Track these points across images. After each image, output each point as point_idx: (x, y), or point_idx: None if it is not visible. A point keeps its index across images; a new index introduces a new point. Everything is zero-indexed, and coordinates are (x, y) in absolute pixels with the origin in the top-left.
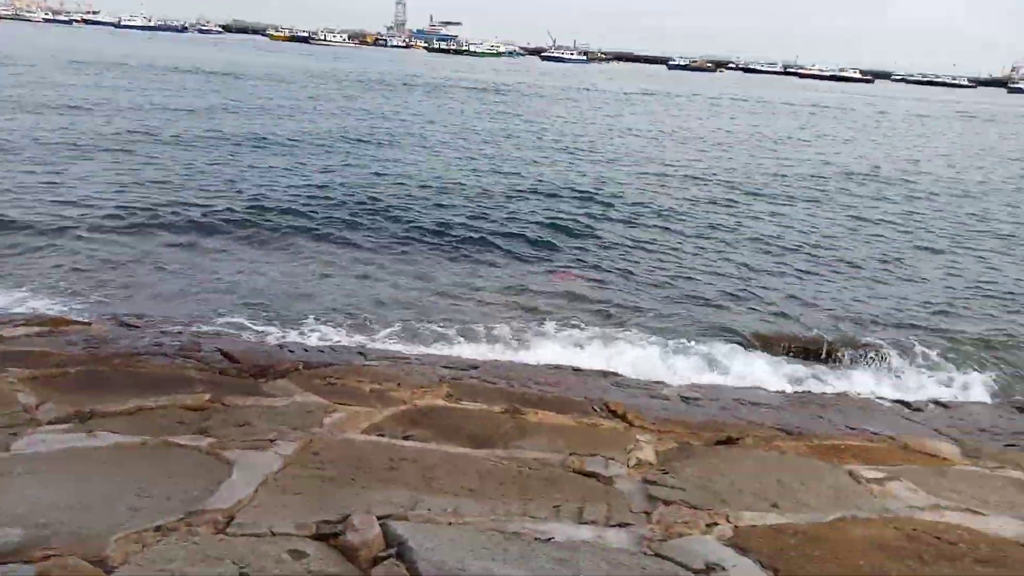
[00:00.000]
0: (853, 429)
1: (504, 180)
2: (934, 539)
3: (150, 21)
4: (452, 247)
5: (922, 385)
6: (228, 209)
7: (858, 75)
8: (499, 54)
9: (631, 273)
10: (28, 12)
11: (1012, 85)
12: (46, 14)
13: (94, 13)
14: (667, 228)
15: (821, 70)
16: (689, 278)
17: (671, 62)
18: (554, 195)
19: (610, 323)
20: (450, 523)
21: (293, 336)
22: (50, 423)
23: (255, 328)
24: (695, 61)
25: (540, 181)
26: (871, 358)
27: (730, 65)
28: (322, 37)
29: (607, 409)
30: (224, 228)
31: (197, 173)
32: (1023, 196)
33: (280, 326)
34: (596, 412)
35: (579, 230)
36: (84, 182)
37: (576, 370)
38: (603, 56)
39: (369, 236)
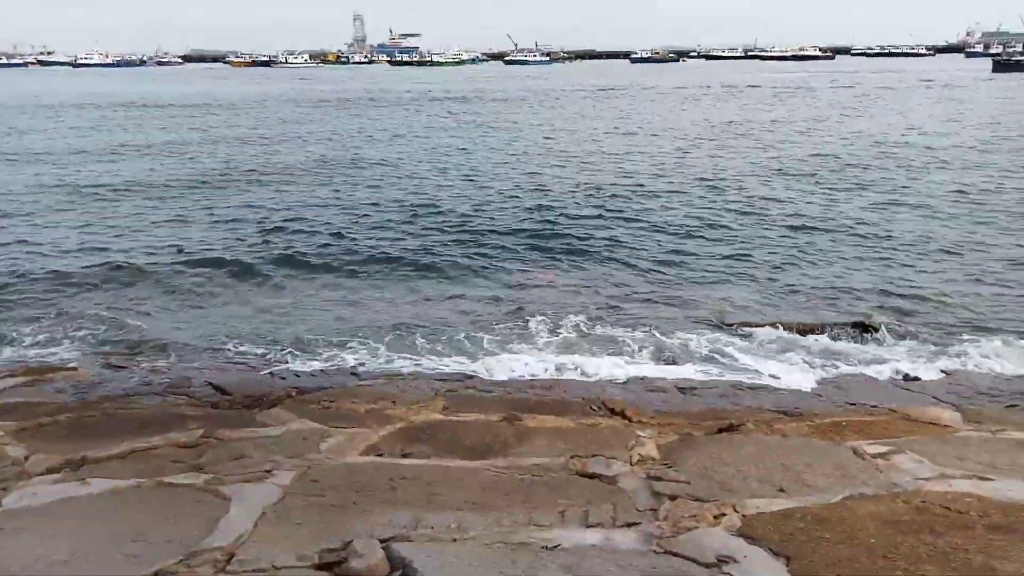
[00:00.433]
0: (853, 404)
1: (478, 190)
2: (944, 509)
3: (107, 58)
4: (432, 262)
5: (917, 356)
6: (205, 244)
7: (819, 52)
8: (462, 62)
9: (614, 269)
10: None
11: (969, 50)
12: None
13: (49, 54)
14: (644, 224)
15: (782, 51)
16: (672, 269)
17: (633, 55)
18: (530, 200)
19: (599, 320)
20: (454, 539)
21: (284, 363)
22: (41, 474)
23: (245, 358)
24: (657, 53)
25: (513, 187)
26: (862, 334)
27: (692, 54)
28: (283, 60)
29: (605, 407)
30: (203, 262)
31: (171, 212)
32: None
33: (270, 354)
34: (594, 411)
35: (558, 232)
36: (54, 228)
37: (571, 370)
38: (566, 55)
39: (346, 258)
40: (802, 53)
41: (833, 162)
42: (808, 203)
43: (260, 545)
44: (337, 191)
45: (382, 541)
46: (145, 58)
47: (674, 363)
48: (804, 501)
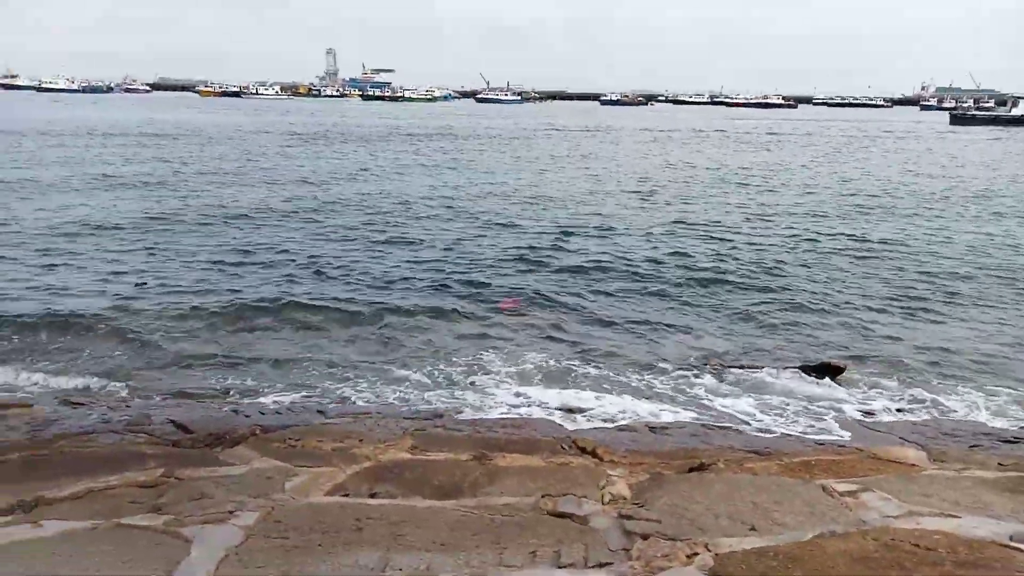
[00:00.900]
0: (821, 444)
1: (445, 226)
2: (912, 547)
3: (73, 83)
4: (399, 301)
5: (883, 397)
6: (168, 282)
7: (781, 101)
8: (434, 98)
9: (582, 307)
10: None
11: (924, 103)
12: None
13: (13, 77)
14: (612, 263)
15: (747, 98)
16: (639, 309)
17: (603, 98)
18: (497, 238)
19: (567, 359)
20: None
21: (248, 400)
22: None
23: (208, 395)
24: (626, 96)
25: (482, 224)
26: (828, 375)
27: (660, 98)
28: (254, 91)
29: (576, 446)
30: (165, 300)
31: (132, 249)
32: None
33: (234, 391)
34: (565, 450)
35: (525, 269)
36: (12, 263)
37: (540, 407)
38: (537, 96)
39: (312, 295)
40: (766, 101)
41: (801, 207)
42: (775, 246)
43: None
44: (302, 227)
45: None
46: (112, 85)
47: (645, 400)
48: (776, 539)
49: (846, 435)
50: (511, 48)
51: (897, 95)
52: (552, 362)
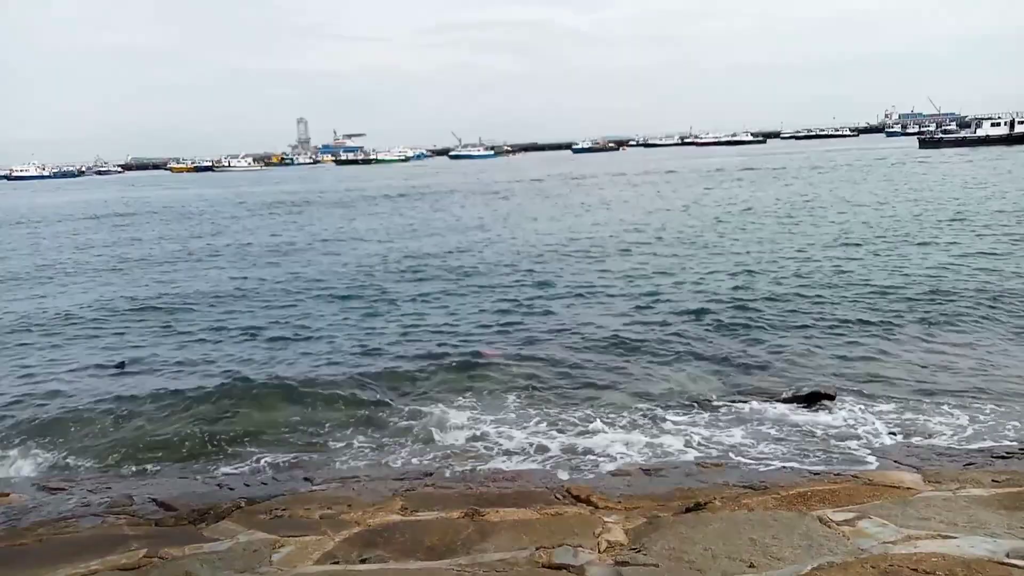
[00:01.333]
0: (816, 474)
1: (422, 286)
2: (911, 571)
3: (44, 169)
4: (381, 358)
5: (875, 421)
6: (145, 362)
7: (750, 137)
8: (407, 159)
9: (567, 350)
10: None
11: (889, 130)
12: None
13: None
14: (595, 304)
15: (716, 137)
16: (624, 349)
17: (575, 146)
18: (477, 288)
19: (553, 403)
20: None
21: (232, 472)
22: None
23: (190, 470)
24: (597, 143)
25: (460, 275)
26: (820, 402)
27: (631, 142)
28: (226, 164)
29: (570, 495)
30: (141, 379)
31: (105, 334)
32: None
33: (217, 464)
34: (559, 500)
35: (507, 321)
36: None
37: (532, 458)
38: (509, 149)
39: (292, 363)
40: (735, 139)
41: (788, 237)
42: (761, 276)
43: None
44: (280, 298)
45: None
46: (84, 168)
47: (637, 443)
48: (774, 575)
49: (841, 462)
50: (479, 103)
51: (862, 124)
52: (539, 410)
